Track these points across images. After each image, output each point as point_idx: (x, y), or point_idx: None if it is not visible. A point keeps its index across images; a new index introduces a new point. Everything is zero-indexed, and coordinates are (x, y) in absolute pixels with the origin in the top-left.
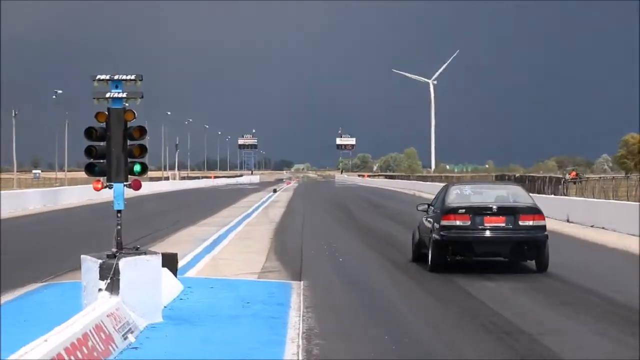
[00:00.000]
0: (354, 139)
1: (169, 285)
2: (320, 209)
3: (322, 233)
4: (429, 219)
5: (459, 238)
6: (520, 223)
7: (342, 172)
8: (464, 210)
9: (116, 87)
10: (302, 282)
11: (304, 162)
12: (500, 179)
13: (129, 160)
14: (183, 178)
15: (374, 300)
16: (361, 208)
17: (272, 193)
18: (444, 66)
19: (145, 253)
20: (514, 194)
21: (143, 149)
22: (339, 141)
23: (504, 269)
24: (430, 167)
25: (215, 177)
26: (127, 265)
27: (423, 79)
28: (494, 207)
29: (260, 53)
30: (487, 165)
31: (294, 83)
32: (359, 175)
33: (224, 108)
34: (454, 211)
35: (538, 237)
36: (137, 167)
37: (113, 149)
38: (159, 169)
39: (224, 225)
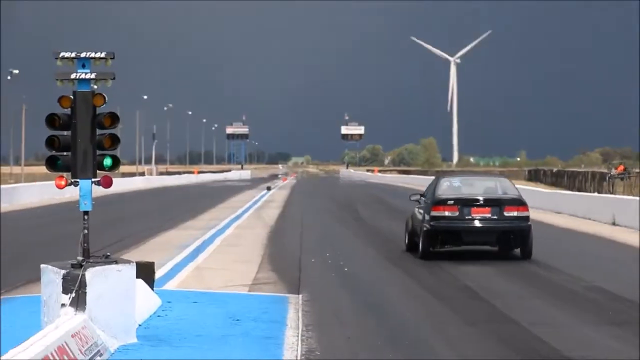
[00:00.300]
0: (363, 127)
1: (145, 300)
2: (322, 210)
3: (325, 238)
4: (420, 210)
5: (448, 228)
6: (505, 214)
7: (347, 166)
8: (452, 202)
9: (83, 67)
10: (300, 295)
11: (303, 155)
12: (535, 174)
13: (98, 152)
14: (161, 174)
15: (386, 317)
16: (370, 208)
17: (265, 191)
18: (471, 45)
19: (116, 262)
20: (502, 186)
21: (115, 140)
22: (344, 130)
23: (493, 257)
24: (452, 161)
25: (200, 172)
26: (95, 276)
27: (444, 55)
28: (481, 198)
29: (252, 29)
30: (518, 158)
31: (291, 63)
32: (367, 170)
33: (210, 92)
34: (443, 202)
35: (522, 227)
36: (107, 161)
37: (79, 139)
38: (133, 163)
39: (209, 229)
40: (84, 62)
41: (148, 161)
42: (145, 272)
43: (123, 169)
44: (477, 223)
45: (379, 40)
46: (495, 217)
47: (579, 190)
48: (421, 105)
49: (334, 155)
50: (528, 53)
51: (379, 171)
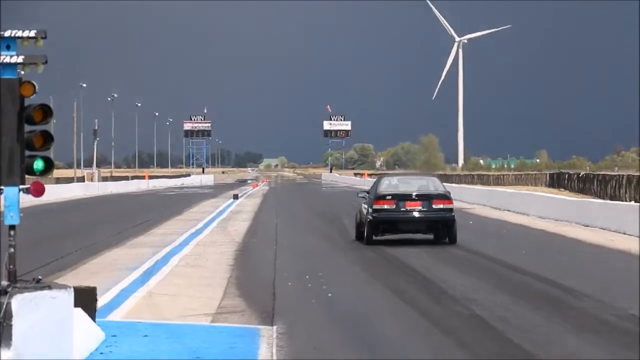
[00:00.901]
0: (349, 122)
1: (85, 333)
2: (300, 222)
3: (304, 256)
4: (365, 205)
5: (387, 218)
6: (434, 206)
7: (331, 169)
8: (390, 197)
9: (8, 49)
10: (274, 327)
11: (278, 156)
12: (557, 179)
13: (27, 153)
14: (105, 179)
15: (377, 354)
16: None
17: (232, 200)
18: (485, 32)
19: (49, 287)
20: (432, 184)
21: (47, 138)
22: (327, 125)
23: (427, 242)
24: (457, 163)
25: (151, 177)
26: (23, 304)
27: (452, 31)
28: (414, 194)
29: (219, 8)
30: (537, 160)
31: (263, 45)
32: (356, 175)
33: (165, 79)
34: (382, 197)
35: (447, 217)
36: (38, 164)
37: (3, 137)
38: (70, 167)
39: (163, 246)
40: (8, 43)
41: (88, 164)
42: (86, 299)
43: (57, 173)
44: (410, 214)
45: (369, 13)
46: (425, 209)
47: (612, 198)
48: (420, 95)
49: (314, 156)
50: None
51: (370, 175)
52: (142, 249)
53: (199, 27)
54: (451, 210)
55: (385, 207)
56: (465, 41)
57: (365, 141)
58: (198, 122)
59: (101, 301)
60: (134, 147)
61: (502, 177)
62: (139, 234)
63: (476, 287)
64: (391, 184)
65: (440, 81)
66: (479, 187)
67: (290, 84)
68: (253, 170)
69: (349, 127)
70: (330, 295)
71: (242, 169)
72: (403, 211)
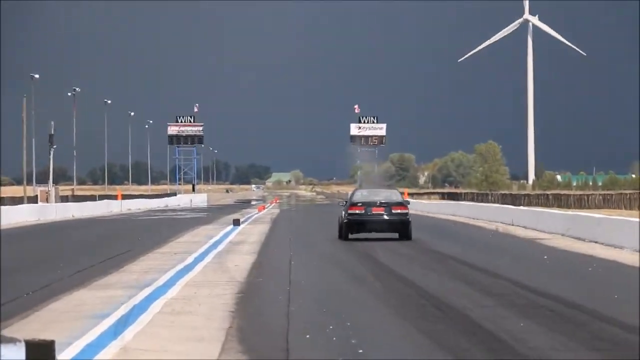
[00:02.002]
0: (384, 126)
1: None
2: (321, 256)
3: (326, 301)
4: (343, 211)
5: (358, 220)
6: (393, 211)
7: (360, 186)
8: (360, 204)
9: None
10: None
11: (291, 170)
12: None
13: None
14: (64, 199)
15: None
16: (399, 257)
17: (231, 227)
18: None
19: None
20: (394, 195)
21: None
22: (355, 130)
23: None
24: (527, 179)
25: (125, 196)
26: None
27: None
28: (378, 202)
29: None
30: (633, 175)
31: (275, 30)
32: None
33: (144, 71)
34: (355, 204)
35: (403, 219)
36: None
37: None
38: (19, 183)
39: (141, 288)
40: None
41: (43, 179)
42: (41, 355)
43: (2, 191)
44: (375, 217)
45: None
46: (386, 213)
47: None
48: (475, 93)
49: (339, 170)
50: None
51: (410, 194)
52: (113, 291)
53: (191, 18)
54: (406, 214)
55: (357, 212)
56: (538, 24)
57: (405, 150)
58: (186, 125)
59: (61, 357)
60: (102, 158)
61: (585, 197)
62: (109, 271)
63: (570, 349)
64: (362, 195)
65: (479, 48)
66: (556, 210)
67: (306, 80)
68: (258, 187)
69: (383, 132)
70: (361, 351)
71: (245, 186)
72: (370, 215)
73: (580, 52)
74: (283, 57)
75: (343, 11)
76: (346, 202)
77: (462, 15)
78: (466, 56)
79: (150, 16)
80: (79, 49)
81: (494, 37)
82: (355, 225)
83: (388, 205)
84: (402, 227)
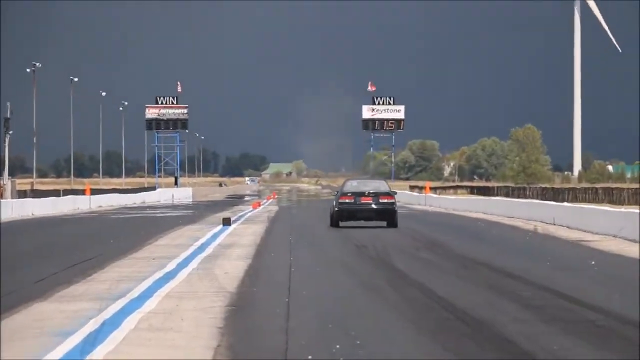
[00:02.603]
0: (402, 108)
1: None
2: (326, 261)
3: (332, 314)
4: (334, 200)
5: (348, 209)
6: (380, 200)
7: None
8: (350, 194)
9: None
10: None
11: (292, 160)
12: None
13: None
14: (22, 194)
15: None
16: (418, 262)
17: (221, 227)
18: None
19: None
20: (382, 185)
21: None
22: (367, 113)
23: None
24: (572, 170)
25: (95, 191)
26: None
27: None
28: (366, 192)
29: None
30: None
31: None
32: (412, 188)
33: (117, 43)
34: (345, 194)
35: (389, 208)
36: None
37: None
38: None
39: (113, 299)
40: None
41: None
42: None
43: None
44: (364, 206)
45: None
46: (374, 202)
47: None
48: (509, 67)
49: (348, 159)
50: None
51: (433, 189)
52: (80, 304)
53: None
54: (393, 203)
55: (347, 201)
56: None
57: (427, 137)
58: (168, 107)
59: None
60: (67, 147)
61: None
62: (74, 280)
63: None
64: (352, 185)
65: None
66: (607, 207)
67: (310, 54)
68: (253, 181)
69: (401, 115)
70: None
71: (237, 178)
72: (359, 204)
73: (617, 47)
74: (282, 25)
75: None
76: (337, 192)
77: None
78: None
79: None
80: (40, 19)
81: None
82: (345, 213)
83: (376, 195)
84: (389, 216)
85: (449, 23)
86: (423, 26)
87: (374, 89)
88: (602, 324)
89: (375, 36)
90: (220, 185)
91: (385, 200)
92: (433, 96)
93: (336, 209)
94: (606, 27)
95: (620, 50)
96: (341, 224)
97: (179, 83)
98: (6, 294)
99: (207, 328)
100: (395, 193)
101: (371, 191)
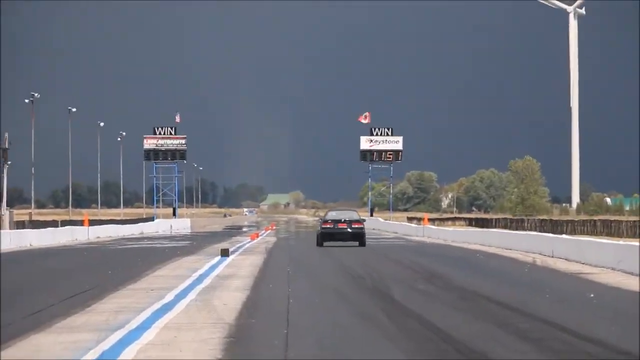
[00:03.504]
0: (400, 139)
1: None
2: (324, 293)
3: (331, 346)
4: (319, 226)
5: (329, 232)
6: (353, 226)
7: (372, 211)
8: (330, 221)
9: None
10: None
11: (290, 191)
12: None
13: None
14: (20, 225)
15: None
16: (416, 301)
17: (219, 258)
18: None
19: None
20: (355, 214)
21: None
22: (365, 144)
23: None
24: (570, 203)
25: (93, 221)
26: None
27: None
28: (342, 219)
29: None
30: None
31: (270, 27)
32: (410, 220)
33: (116, 74)
34: (326, 221)
35: (360, 232)
36: None
37: None
38: None
39: (111, 330)
40: None
41: None
42: None
43: None
44: (340, 230)
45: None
46: (348, 227)
47: None
48: (505, 99)
49: (347, 191)
50: None
51: (432, 221)
52: (78, 335)
53: (174, 23)
54: (362, 228)
55: (328, 226)
56: (583, 12)
57: (425, 168)
58: (166, 138)
59: None
60: (66, 177)
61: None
62: (72, 311)
63: None
64: (332, 215)
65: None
66: (605, 240)
67: (308, 85)
68: (252, 212)
69: (399, 146)
70: None
71: (235, 209)
72: (337, 228)
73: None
74: (280, 57)
75: (351, 9)
76: (321, 220)
77: (491, 16)
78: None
79: (124, 13)
80: (39, 49)
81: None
82: (327, 236)
83: (350, 222)
84: (360, 238)
85: (446, 54)
86: (421, 57)
87: (368, 120)
88: (600, 357)
89: (374, 67)
90: (225, 216)
91: (357, 226)
92: (431, 127)
93: (320, 232)
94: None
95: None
96: (325, 244)
97: (177, 114)
98: (4, 325)
99: (205, 359)
100: (364, 220)
101: (346, 219)
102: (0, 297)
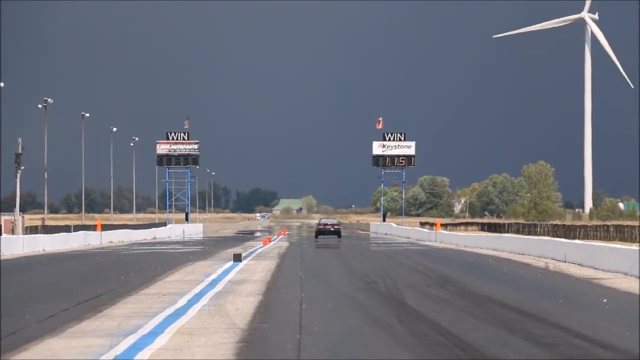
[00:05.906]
0: (412, 144)
1: None
2: (337, 298)
3: (343, 350)
4: (316, 226)
5: (320, 230)
6: (334, 227)
7: (384, 216)
8: (321, 224)
9: None
10: None
11: (302, 196)
12: None
13: None
14: (33, 229)
15: None
16: (428, 299)
17: (231, 263)
18: None
19: None
20: (335, 220)
21: None
22: (377, 149)
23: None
24: (583, 208)
25: (106, 226)
26: None
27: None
28: (328, 223)
29: None
30: None
31: (282, 34)
32: (423, 225)
33: (129, 80)
34: (319, 224)
35: (337, 230)
36: None
37: None
38: None
39: (124, 336)
40: None
41: (9, 207)
42: None
43: None
44: (328, 228)
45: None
46: (331, 227)
47: None
48: (518, 103)
49: (359, 196)
50: None
51: (444, 226)
52: (91, 339)
53: (189, 26)
54: (339, 228)
55: (320, 227)
56: (596, 17)
57: (437, 173)
58: (179, 143)
59: None
60: (79, 182)
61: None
62: (85, 315)
63: None
64: (323, 221)
65: (520, 31)
66: (618, 245)
67: (321, 91)
68: (264, 217)
69: (412, 151)
70: None
71: (248, 214)
72: (325, 228)
73: (630, 83)
74: (294, 61)
75: (365, 12)
76: (317, 223)
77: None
78: (503, 34)
79: (138, 16)
80: (53, 54)
81: (540, 24)
82: (319, 232)
83: (332, 225)
84: (337, 233)
85: (459, 60)
86: (434, 62)
87: (381, 126)
88: None
89: (387, 71)
90: (249, 219)
91: (336, 227)
92: (444, 132)
93: (316, 230)
94: (619, 65)
95: (632, 87)
96: (319, 237)
97: (186, 120)
98: (15, 330)
99: None
100: (340, 223)
101: (330, 222)
102: (1, 303)
